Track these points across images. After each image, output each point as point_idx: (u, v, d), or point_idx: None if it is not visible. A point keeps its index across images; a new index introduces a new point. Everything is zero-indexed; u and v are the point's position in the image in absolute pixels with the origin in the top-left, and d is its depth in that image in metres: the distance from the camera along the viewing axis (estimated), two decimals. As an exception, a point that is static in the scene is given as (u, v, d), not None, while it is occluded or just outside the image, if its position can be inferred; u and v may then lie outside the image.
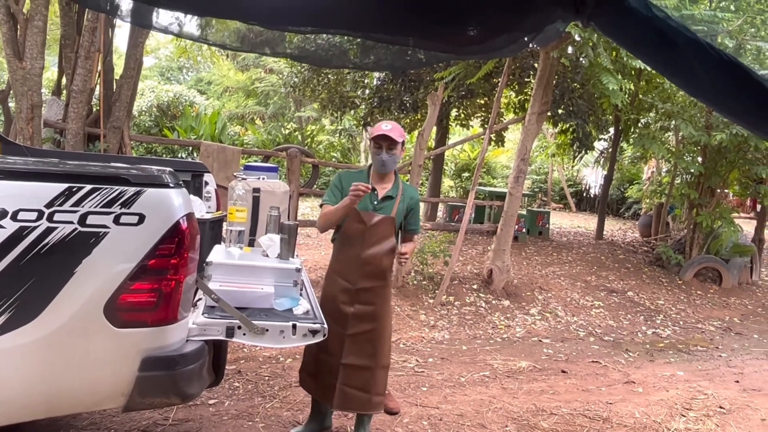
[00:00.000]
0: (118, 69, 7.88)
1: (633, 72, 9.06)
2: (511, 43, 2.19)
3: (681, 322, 7.82)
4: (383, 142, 3.26)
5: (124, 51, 7.88)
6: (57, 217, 2.06)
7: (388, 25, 1.87)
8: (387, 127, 3.28)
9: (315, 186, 10.88)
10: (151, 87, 18.34)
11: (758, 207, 12.03)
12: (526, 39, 2.35)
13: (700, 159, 10.13)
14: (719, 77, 1.78)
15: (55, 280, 2.06)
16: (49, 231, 2.05)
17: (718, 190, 10.34)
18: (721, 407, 4.74)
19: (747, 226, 12.08)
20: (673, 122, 9.69)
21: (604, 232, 13.12)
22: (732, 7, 7.50)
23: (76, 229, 2.08)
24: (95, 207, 2.11)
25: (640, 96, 10.15)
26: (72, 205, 2.08)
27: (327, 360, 3.25)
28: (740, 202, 14.34)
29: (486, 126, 10.76)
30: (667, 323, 7.70)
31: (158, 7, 1.92)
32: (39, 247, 2.04)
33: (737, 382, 5.47)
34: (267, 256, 3.02)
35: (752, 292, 9.89)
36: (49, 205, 2.06)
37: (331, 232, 3.49)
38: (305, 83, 13.05)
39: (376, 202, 3.29)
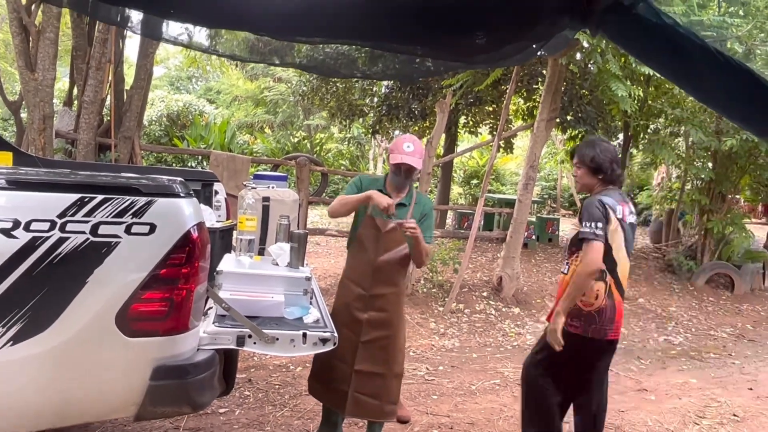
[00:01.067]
0: (129, 79, 7.96)
1: (642, 78, 9.02)
2: (519, 51, 2.19)
3: (693, 329, 7.76)
4: (404, 166, 3.26)
5: (135, 61, 7.95)
6: (69, 227, 2.08)
7: (397, 35, 1.88)
8: (409, 148, 3.21)
9: (324, 194, 10.90)
10: (161, 97, 18.47)
11: (770, 212, 11.95)
12: (534, 47, 2.36)
13: (710, 164, 10.07)
14: (728, 83, 1.78)
15: (67, 290, 2.07)
16: (61, 241, 2.06)
17: (729, 196, 10.27)
18: (734, 415, 4.69)
19: (759, 232, 11.99)
20: (683, 128, 9.65)
21: (615, 239, 13.02)
22: (741, 12, 7.46)
23: (88, 239, 2.09)
24: (107, 217, 2.12)
25: (650, 102, 10.11)
26: (84, 215, 2.10)
27: (339, 366, 3.24)
28: (752, 207, 14.25)
29: (494, 133, 10.74)
30: (679, 330, 7.64)
31: (168, 19, 1.94)
32: (51, 257, 2.05)
33: (751, 389, 5.42)
34: (277, 264, 3.03)
35: (765, 298, 9.80)
36: (61, 216, 2.07)
37: (347, 239, 3.50)
38: (314, 92, 13.11)
39: (390, 209, 3.30)
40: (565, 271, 3.24)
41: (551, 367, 3.26)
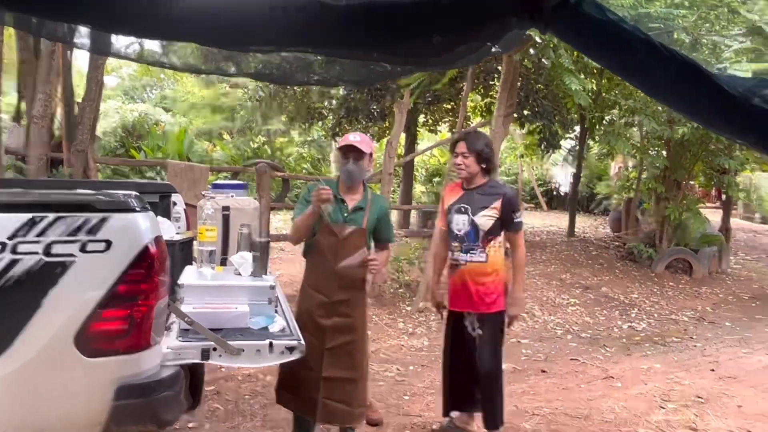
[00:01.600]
0: (80, 90, 7.77)
1: (595, 71, 9.21)
2: (473, 51, 2.21)
3: (655, 315, 7.95)
4: (350, 153, 3.27)
5: (85, 72, 7.77)
6: (21, 248, 2.02)
7: (351, 43, 1.88)
8: (355, 138, 3.32)
9: (286, 199, 10.82)
10: (115, 107, 18.05)
11: (723, 197, 12.30)
12: (488, 45, 2.38)
13: (664, 153, 10.33)
14: (674, 76, 1.82)
15: (21, 313, 2.01)
16: (13, 263, 2.00)
17: (684, 183, 10.55)
18: (698, 397, 4.82)
19: (714, 216, 12.34)
20: (637, 118, 9.87)
21: (576, 230, 13.28)
22: (686, 3, 7.66)
23: (41, 259, 2.03)
24: (60, 236, 2.06)
25: (603, 94, 10.32)
26: (36, 236, 2.04)
27: (307, 375, 3.21)
28: (705, 192, 14.63)
29: (454, 130, 10.83)
30: (642, 316, 7.82)
31: (116, 33, 1.90)
32: (3, 280, 1.99)
33: (713, 370, 5.57)
34: (240, 274, 2.99)
35: (722, 280, 10.10)
36: (12, 237, 2.01)
37: (303, 246, 3.47)
38: (271, 96, 13.02)
39: (346, 214, 3.30)
40: (483, 259, 3.61)
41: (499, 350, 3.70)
